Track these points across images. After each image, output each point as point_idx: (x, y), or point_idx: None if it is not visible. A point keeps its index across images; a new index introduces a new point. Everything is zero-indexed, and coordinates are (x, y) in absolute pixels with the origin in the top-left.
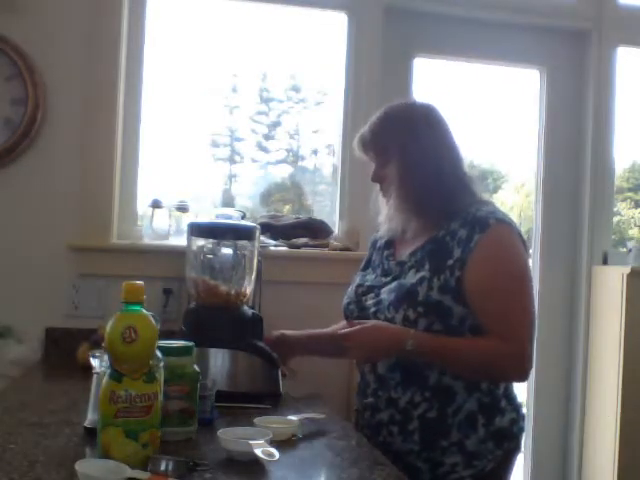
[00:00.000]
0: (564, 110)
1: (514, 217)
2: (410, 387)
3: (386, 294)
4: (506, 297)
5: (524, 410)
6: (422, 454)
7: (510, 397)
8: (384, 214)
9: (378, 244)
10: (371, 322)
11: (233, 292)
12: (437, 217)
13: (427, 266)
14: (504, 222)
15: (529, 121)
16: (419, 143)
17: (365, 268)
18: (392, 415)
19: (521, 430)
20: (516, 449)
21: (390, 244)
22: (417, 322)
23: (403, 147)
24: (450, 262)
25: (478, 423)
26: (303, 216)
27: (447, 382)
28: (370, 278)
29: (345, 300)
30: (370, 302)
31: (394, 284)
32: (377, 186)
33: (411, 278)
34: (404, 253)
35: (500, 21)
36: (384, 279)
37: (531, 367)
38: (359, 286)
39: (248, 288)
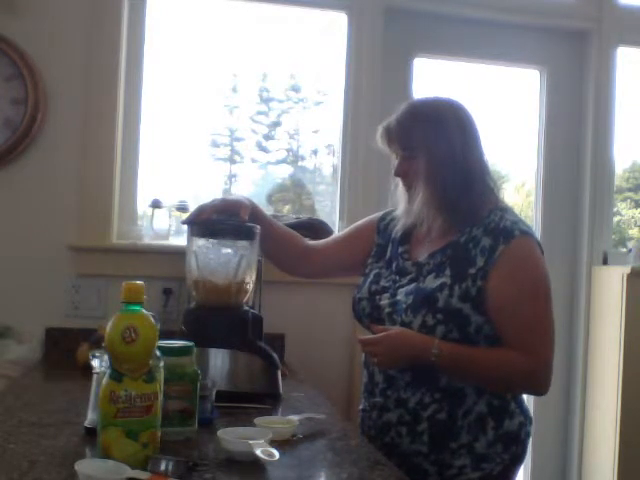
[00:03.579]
0: (564, 110)
1: None
2: (420, 388)
3: (403, 296)
4: (530, 313)
5: (531, 413)
6: (430, 456)
7: (519, 400)
8: (403, 208)
9: (392, 235)
10: (396, 328)
11: (233, 292)
12: (461, 219)
13: (448, 272)
14: (528, 234)
15: (529, 121)
16: (449, 143)
17: (379, 258)
18: (401, 415)
19: (528, 434)
20: (523, 453)
21: (406, 240)
22: (435, 328)
23: (432, 145)
24: (472, 270)
25: (487, 426)
26: (303, 216)
27: (458, 384)
28: (384, 274)
29: (357, 295)
30: (385, 302)
31: (412, 287)
32: (396, 179)
33: (431, 283)
34: (421, 253)
35: (500, 21)
36: (399, 279)
37: (551, 383)
38: (373, 283)
39: (248, 288)
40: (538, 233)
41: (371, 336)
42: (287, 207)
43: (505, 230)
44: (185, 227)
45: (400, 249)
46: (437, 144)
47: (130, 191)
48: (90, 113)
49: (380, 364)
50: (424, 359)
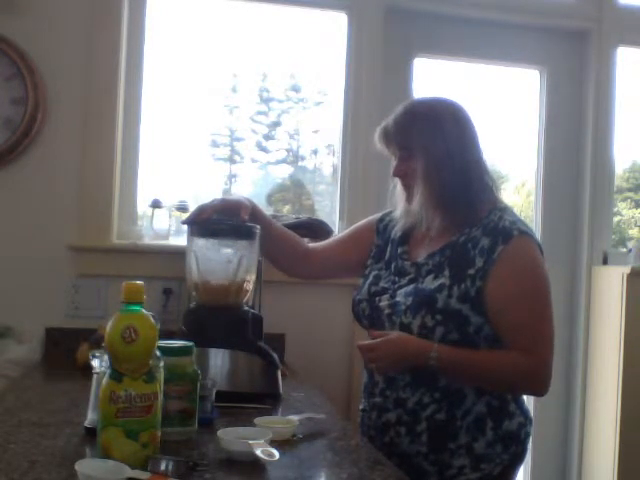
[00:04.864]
0: (564, 110)
1: None
2: (419, 388)
3: (402, 297)
4: (529, 313)
5: (531, 414)
6: (429, 456)
7: (519, 401)
8: (402, 208)
9: (391, 235)
10: (394, 333)
11: (233, 292)
12: (460, 219)
13: (447, 272)
14: (526, 234)
15: (529, 121)
16: (447, 142)
17: (378, 259)
18: (400, 416)
19: (528, 435)
20: (522, 453)
21: (405, 240)
22: (434, 329)
23: (430, 145)
24: (471, 271)
25: (487, 426)
26: (303, 216)
27: (457, 384)
28: (384, 275)
29: (356, 296)
30: (384, 303)
31: (411, 288)
32: (395, 180)
33: (429, 283)
34: (420, 254)
35: (500, 21)
36: (398, 279)
37: (550, 383)
38: (372, 284)
39: (248, 288)
40: (538, 233)
41: (369, 341)
42: (287, 207)
43: (504, 230)
44: (185, 227)
45: (399, 250)
46: (434, 143)
47: (130, 191)
48: (90, 113)
49: (379, 370)
50: (423, 363)
